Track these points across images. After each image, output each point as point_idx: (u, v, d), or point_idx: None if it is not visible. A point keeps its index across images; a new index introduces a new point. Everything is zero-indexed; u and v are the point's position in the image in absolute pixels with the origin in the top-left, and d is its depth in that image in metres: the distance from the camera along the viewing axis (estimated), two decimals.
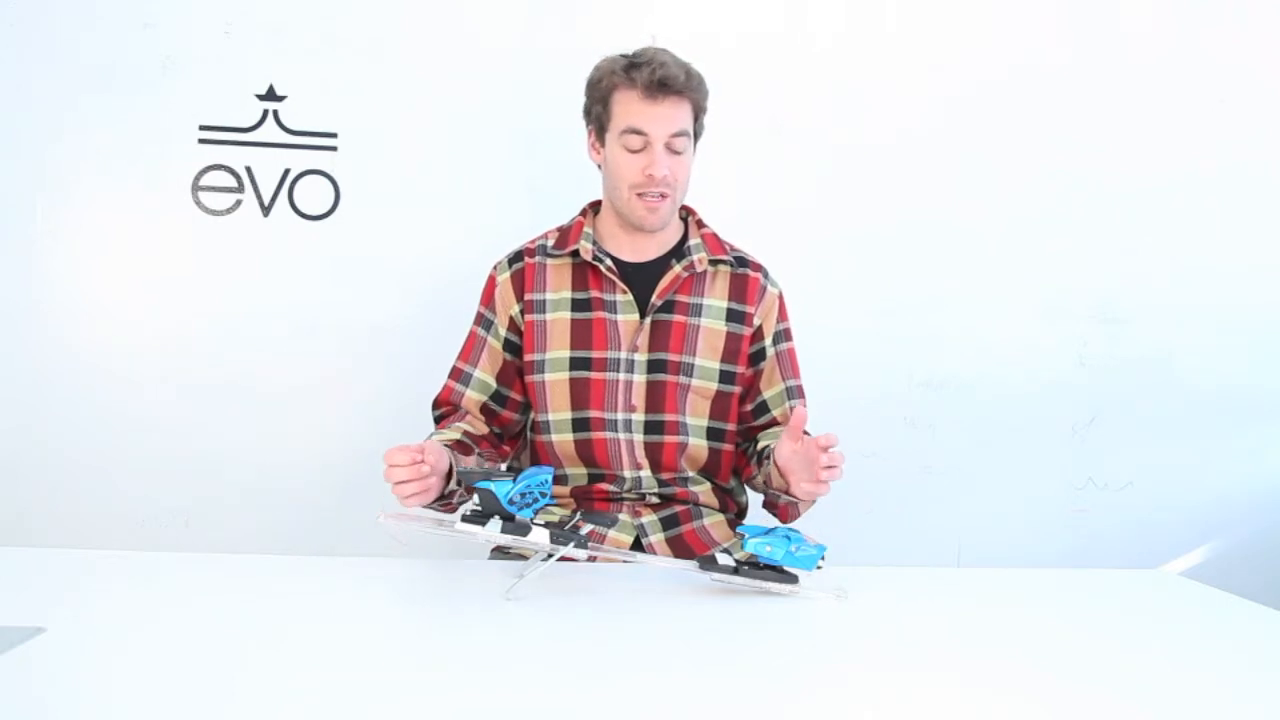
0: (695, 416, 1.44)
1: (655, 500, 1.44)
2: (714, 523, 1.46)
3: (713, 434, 1.46)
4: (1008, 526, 2.16)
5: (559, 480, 1.44)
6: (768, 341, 1.49)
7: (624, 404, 1.42)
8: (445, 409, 1.50)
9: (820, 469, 1.16)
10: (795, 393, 1.49)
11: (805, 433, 1.25)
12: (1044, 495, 2.18)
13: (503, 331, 1.47)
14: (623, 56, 1.41)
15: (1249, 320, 2.19)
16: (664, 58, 1.38)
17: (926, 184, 2.12)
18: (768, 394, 1.49)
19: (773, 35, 2.09)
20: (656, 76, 1.36)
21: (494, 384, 1.48)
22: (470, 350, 1.49)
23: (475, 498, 1.08)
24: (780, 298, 1.52)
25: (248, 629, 0.97)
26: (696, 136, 1.44)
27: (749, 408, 1.49)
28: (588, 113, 1.46)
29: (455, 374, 1.49)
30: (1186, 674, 0.96)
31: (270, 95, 2.00)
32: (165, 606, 1.04)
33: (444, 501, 1.30)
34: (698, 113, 1.42)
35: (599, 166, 1.47)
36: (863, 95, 2.11)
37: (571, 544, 1.10)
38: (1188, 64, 2.16)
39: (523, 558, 1.35)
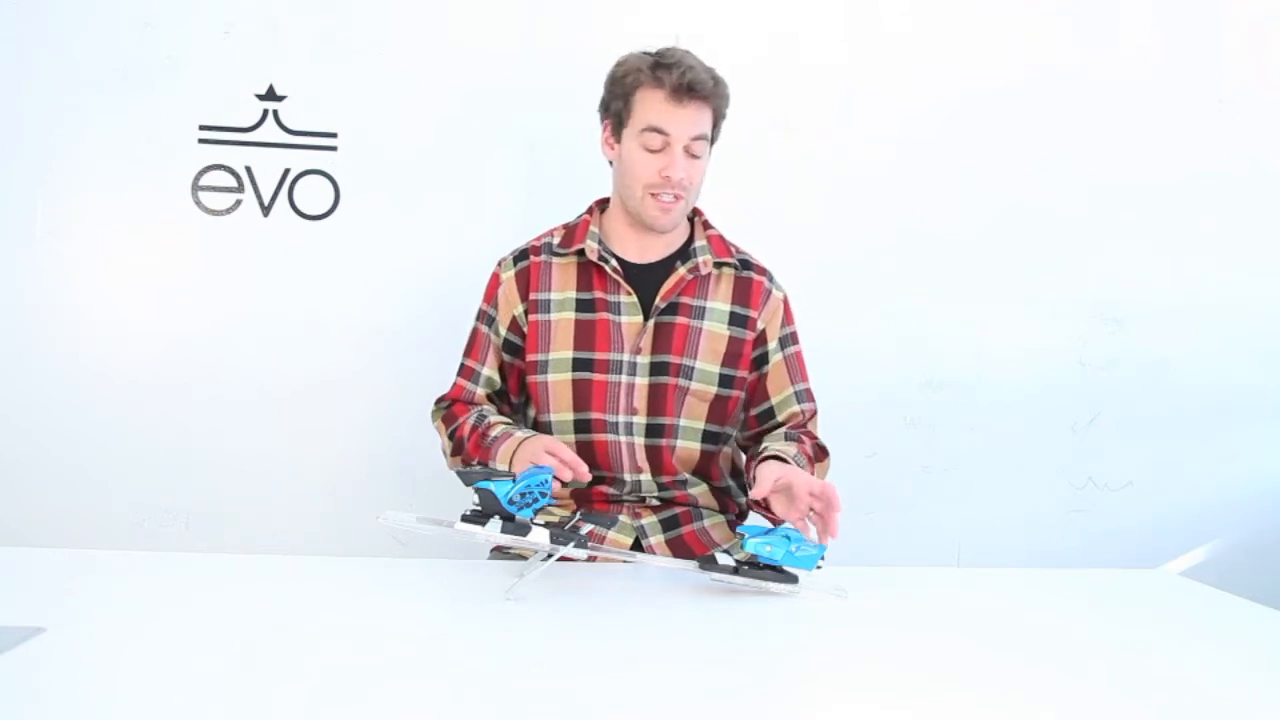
0: (691, 419, 1.44)
1: (655, 503, 1.44)
2: (714, 524, 1.46)
3: (708, 436, 1.45)
4: (1008, 526, 2.16)
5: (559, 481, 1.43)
6: (772, 346, 1.48)
7: (625, 406, 1.42)
8: (454, 404, 1.49)
9: (810, 518, 1.20)
10: (805, 396, 1.49)
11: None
12: (1044, 495, 2.18)
13: (503, 331, 1.47)
14: (648, 54, 1.39)
15: (1248, 321, 2.19)
16: (691, 61, 1.37)
17: (927, 185, 2.12)
18: (775, 399, 1.48)
19: (777, 38, 2.08)
20: (686, 80, 1.35)
21: (499, 380, 1.48)
22: (479, 348, 1.49)
23: (475, 498, 1.08)
24: (785, 301, 1.51)
25: (248, 629, 0.97)
26: (712, 142, 1.44)
27: (755, 412, 1.49)
28: (605, 107, 1.43)
29: (466, 372, 1.49)
30: (1186, 674, 0.96)
31: (270, 95, 2.00)
32: (165, 606, 1.04)
33: None
34: (717, 119, 1.42)
35: (610, 163, 1.45)
36: (865, 98, 2.11)
37: (571, 544, 1.10)
38: (1188, 64, 2.16)
39: (523, 558, 1.35)
